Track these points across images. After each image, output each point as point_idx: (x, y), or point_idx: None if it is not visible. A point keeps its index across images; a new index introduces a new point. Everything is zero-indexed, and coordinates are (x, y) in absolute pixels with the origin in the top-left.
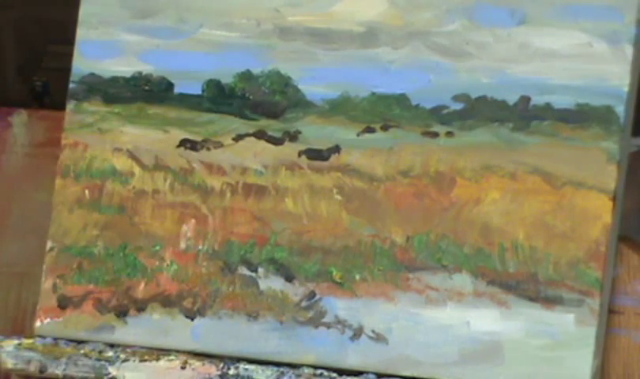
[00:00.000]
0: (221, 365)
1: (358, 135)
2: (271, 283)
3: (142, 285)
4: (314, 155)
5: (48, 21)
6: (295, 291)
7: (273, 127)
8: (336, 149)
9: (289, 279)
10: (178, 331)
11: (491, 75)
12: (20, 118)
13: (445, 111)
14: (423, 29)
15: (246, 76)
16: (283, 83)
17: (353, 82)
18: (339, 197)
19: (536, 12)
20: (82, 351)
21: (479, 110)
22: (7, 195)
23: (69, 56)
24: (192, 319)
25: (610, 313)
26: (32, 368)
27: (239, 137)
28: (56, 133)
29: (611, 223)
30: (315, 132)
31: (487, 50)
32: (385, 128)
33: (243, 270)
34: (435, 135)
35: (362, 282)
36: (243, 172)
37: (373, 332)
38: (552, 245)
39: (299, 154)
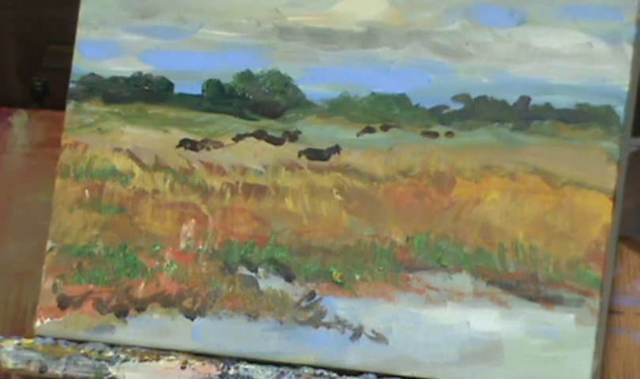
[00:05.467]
0: (221, 365)
1: (358, 135)
2: (271, 283)
3: (142, 285)
4: (314, 155)
5: (48, 21)
6: (295, 291)
7: (273, 127)
8: (336, 149)
9: (289, 279)
10: (178, 331)
11: (491, 75)
12: (20, 118)
13: (445, 111)
14: (423, 29)
15: (246, 76)
16: (283, 83)
17: (353, 82)
18: (339, 197)
19: (536, 12)
20: (82, 351)
21: (479, 110)
22: (7, 195)
23: (69, 56)
24: (192, 319)
25: (610, 313)
26: (32, 368)
27: (238, 137)
28: (56, 133)
29: (611, 223)
30: (315, 132)
31: (487, 50)
32: (385, 128)
33: (243, 270)
34: (435, 135)
35: (362, 282)
36: (243, 172)
37: (373, 332)
38: (552, 245)
39: (299, 154)
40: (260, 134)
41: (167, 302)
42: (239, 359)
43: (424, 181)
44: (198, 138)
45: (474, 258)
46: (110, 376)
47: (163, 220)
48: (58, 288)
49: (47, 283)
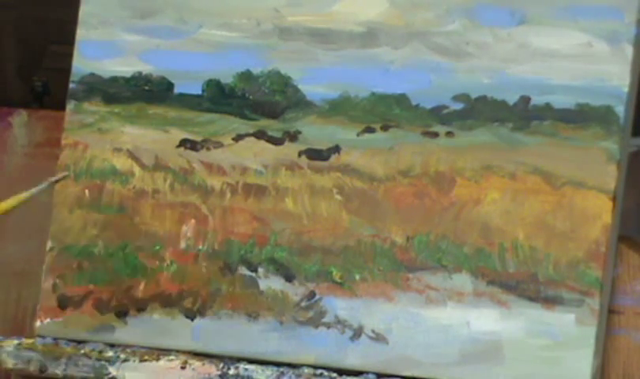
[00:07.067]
0: (221, 365)
1: (358, 135)
2: (271, 283)
3: (142, 285)
4: (314, 155)
5: (48, 21)
6: (295, 291)
7: (273, 127)
8: (336, 149)
9: (289, 279)
10: (178, 331)
11: (491, 75)
12: (20, 118)
13: (445, 111)
14: (423, 29)
15: (246, 76)
16: (283, 83)
17: (353, 82)
18: (339, 197)
19: (536, 12)
20: (82, 351)
21: (479, 110)
22: (7, 195)
23: (69, 56)
24: (192, 319)
25: (610, 313)
26: (32, 368)
27: (239, 137)
28: (56, 133)
29: (611, 223)
30: (315, 132)
31: (487, 50)
32: (385, 128)
33: (243, 270)
34: (435, 135)
35: (362, 282)
36: (243, 172)
37: (373, 332)
38: (552, 245)
39: (299, 154)
40: (260, 134)
41: (167, 302)
42: (239, 359)
43: (424, 181)
44: (198, 138)
45: (474, 258)
46: (110, 376)
47: (163, 220)
48: (58, 288)
49: (46, 283)
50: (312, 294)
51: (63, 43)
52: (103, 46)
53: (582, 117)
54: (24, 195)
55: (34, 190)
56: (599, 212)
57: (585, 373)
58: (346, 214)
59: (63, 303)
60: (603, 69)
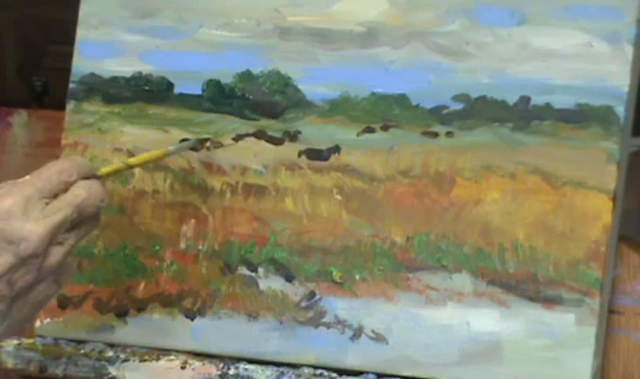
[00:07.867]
0: (221, 365)
1: (358, 135)
2: (271, 283)
3: (142, 285)
4: (314, 155)
5: (48, 21)
6: (295, 291)
7: (273, 127)
8: (336, 149)
9: (289, 279)
10: (178, 331)
11: (491, 75)
12: (20, 118)
13: (445, 111)
14: (423, 29)
15: (246, 76)
16: (283, 83)
17: (353, 82)
18: (339, 197)
19: (536, 12)
20: (82, 351)
21: (479, 110)
22: None
23: (69, 56)
24: (192, 319)
25: (610, 313)
26: (32, 368)
27: (238, 137)
28: (56, 133)
29: (611, 223)
30: (315, 132)
31: (487, 50)
32: (385, 128)
33: (243, 270)
34: (435, 135)
35: (362, 282)
36: (243, 172)
37: (373, 332)
38: (552, 245)
39: (299, 154)
40: (260, 134)
41: (167, 302)
42: (239, 359)
43: (424, 181)
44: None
45: (474, 258)
46: (110, 376)
47: (163, 220)
48: None
49: None
50: (312, 294)
51: (63, 43)
52: (103, 46)
53: (582, 117)
54: (158, 152)
55: (172, 148)
56: (599, 212)
57: (585, 373)
58: (346, 214)
59: (63, 303)
60: (603, 69)
